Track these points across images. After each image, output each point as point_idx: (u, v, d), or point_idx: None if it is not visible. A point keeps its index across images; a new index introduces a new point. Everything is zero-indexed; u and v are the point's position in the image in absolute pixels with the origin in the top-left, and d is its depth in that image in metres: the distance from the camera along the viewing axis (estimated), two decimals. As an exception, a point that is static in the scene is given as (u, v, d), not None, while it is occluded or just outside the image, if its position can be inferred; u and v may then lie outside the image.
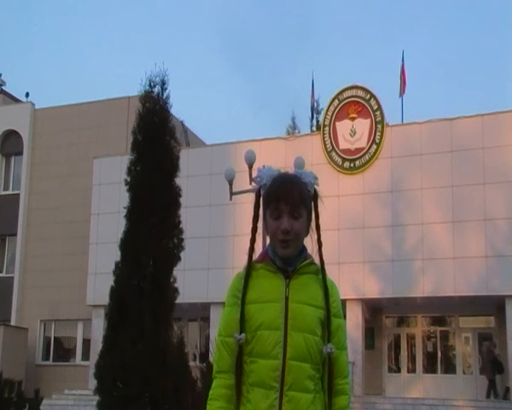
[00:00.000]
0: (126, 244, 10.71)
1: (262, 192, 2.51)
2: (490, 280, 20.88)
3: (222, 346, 2.48)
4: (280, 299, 2.42)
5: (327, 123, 23.79)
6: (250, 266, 2.50)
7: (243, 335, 2.41)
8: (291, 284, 2.45)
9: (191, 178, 22.81)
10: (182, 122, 24.89)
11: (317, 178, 2.53)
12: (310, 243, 2.53)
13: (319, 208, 2.52)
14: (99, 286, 22.49)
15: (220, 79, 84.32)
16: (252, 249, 2.52)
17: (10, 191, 30.92)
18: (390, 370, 24.74)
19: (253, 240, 2.52)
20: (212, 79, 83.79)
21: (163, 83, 11.42)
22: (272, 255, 2.49)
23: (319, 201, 2.52)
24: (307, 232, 2.50)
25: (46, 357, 29.11)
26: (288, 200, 2.43)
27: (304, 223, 2.46)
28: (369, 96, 23.50)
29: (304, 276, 2.47)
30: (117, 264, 10.76)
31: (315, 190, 2.52)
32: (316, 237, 2.52)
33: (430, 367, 24.36)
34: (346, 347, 2.52)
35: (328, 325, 2.45)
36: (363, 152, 23.05)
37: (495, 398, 21.37)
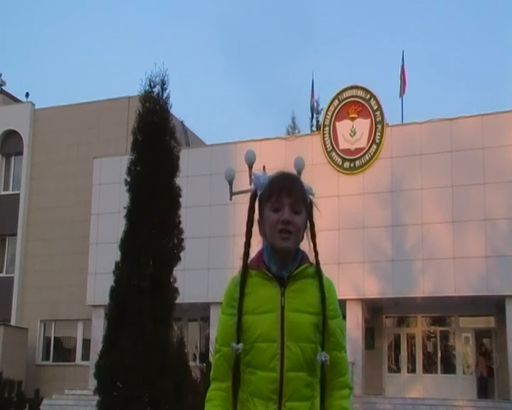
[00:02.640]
0: (126, 244, 10.71)
1: (258, 193, 2.51)
2: (490, 280, 20.88)
3: (218, 355, 2.50)
4: (276, 309, 2.41)
5: (327, 123, 23.79)
6: (245, 272, 2.48)
7: (241, 345, 2.41)
8: (286, 292, 2.43)
9: (191, 178, 22.80)
10: (182, 122, 24.90)
11: (311, 189, 2.54)
12: (306, 250, 2.52)
13: (314, 218, 2.53)
14: (99, 286, 22.49)
15: (220, 79, 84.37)
16: (246, 255, 2.50)
17: (10, 191, 30.91)
18: (390, 370, 24.74)
19: (247, 245, 2.51)
20: (212, 79, 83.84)
21: (163, 83, 11.43)
22: (267, 260, 2.47)
23: (314, 211, 2.53)
24: (302, 236, 2.49)
25: (46, 357, 29.11)
26: (290, 193, 2.43)
27: (303, 220, 2.47)
28: (369, 96, 23.51)
29: (300, 281, 2.46)
30: (117, 264, 10.76)
31: (310, 200, 2.52)
32: (312, 245, 2.52)
33: (430, 367, 24.36)
34: (344, 346, 2.53)
35: (325, 330, 2.45)
36: (363, 152, 23.05)
37: None
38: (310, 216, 2.51)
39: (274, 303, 2.42)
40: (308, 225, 2.51)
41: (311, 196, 2.52)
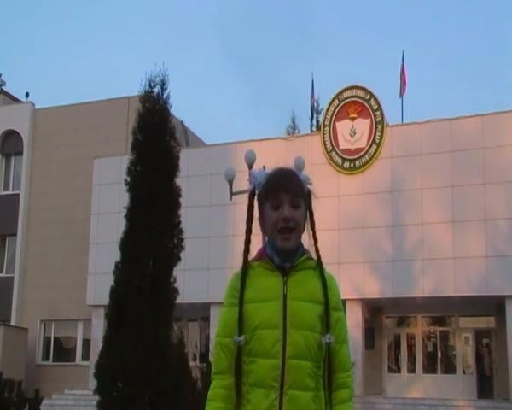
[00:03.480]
0: (126, 244, 10.72)
1: (256, 192, 2.52)
2: (490, 280, 20.87)
3: (220, 347, 2.48)
4: (278, 297, 2.41)
5: (327, 123, 23.79)
6: (246, 266, 2.49)
7: (242, 337, 2.39)
8: (289, 282, 2.44)
9: (191, 178, 22.80)
10: (182, 122, 24.87)
11: (309, 178, 2.55)
12: (306, 239, 2.54)
13: (313, 207, 2.55)
14: (99, 286, 22.48)
15: (220, 79, 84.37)
16: (247, 251, 2.51)
17: (10, 191, 30.90)
18: (390, 370, 24.73)
19: (247, 241, 2.52)
20: (213, 79, 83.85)
21: (163, 83, 11.44)
22: (270, 253, 2.48)
23: (313, 199, 2.54)
24: (303, 228, 2.50)
25: (46, 357, 29.10)
26: (288, 189, 2.44)
27: (303, 214, 2.48)
28: (369, 96, 23.50)
29: (301, 272, 2.47)
30: (117, 264, 10.77)
31: (308, 190, 2.53)
32: (311, 233, 2.53)
33: (430, 367, 24.35)
34: (346, 340, 2.51)
35: (328, 320, 2.44)
36: (363, 152, 23.04)
37: None
38: (309, 205, 2.52)
39: (276, 292, 2.42)
40: (307, 214, 2.52)
41: (308, 186, 2.53)
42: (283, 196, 2.43)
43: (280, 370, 2.36)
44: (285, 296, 2.41)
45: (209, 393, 2.48)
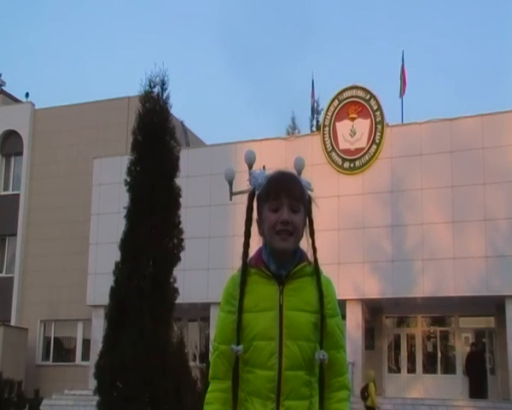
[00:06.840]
0: (126, 244, 10.72)
1: (256, 193, 2.49)
2: (490, 280, 20.87)
3: (217, 353, 2.48)
4: (274, 307, 2.40)
5: (327, 123, 23.78)
6: (245, 272, 2.46)
7: (240, 347, 2.39)
8: (285, 290, 2.42)
9: (191, 178, 22.80)
10: (182, 122, 24.88)
11: (310, 184, 2.51)
12: (305, 246, 2.51)
13: (313, 214, 2.51)
14: (99, 286, 22.48)
15: (220, 79, 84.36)
16: (246, 254, 2.48)
17: (10, 191, 30.90)
18: (390, 370, 24.72)
19: (246, 244, 2.49)
20: (213, 79, 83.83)
21: (163, 83, 11.46)
22: (266, 259, 2.46)
23: (313, 206, 2.51)
24: (302, 233, 2.47)
25: (46, 357, 29.09)
26: (288, 192, 2.41)
27: (302, 219, 2.45)
28: (369, 96, 23.49)
29: (298, 280, 2.45)
30: (117, 264, 10.77)
31: (309, 196, 2.50)
32: (310, 242, 2.50)
33: (430, 367, 24.34)
34: (343, 345, 2.50)
35: (324, 328, 2.43)
36: (363, 152, 23.04)
37: None
38: (309, 212, 2.49)
39: (272, 301, 2.41)
40: (307, 221, 2.49)
41: (309, 192, 2.50)
42: (283, 198, 2.40)
43: (276, 381, 2.36)
44: (281, 306, 2.40)
45: (207, 396, 2.48)
